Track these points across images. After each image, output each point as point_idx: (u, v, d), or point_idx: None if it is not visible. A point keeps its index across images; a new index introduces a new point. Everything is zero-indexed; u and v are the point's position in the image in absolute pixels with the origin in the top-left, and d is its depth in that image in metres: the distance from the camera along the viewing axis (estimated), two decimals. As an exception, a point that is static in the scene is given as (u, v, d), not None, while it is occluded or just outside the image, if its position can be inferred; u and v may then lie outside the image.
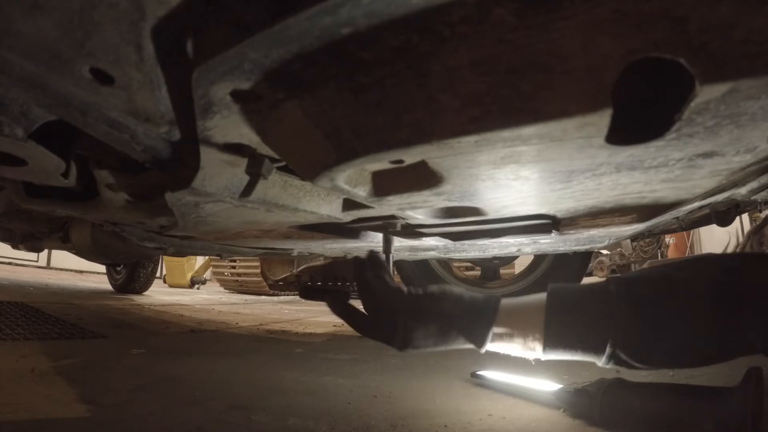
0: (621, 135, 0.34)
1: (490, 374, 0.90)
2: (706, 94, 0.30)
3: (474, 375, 0.92)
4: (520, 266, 2.31)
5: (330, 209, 0.69)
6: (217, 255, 1.52)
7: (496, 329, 0.54)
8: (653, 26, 0.28)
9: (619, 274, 0.52)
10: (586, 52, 0.29)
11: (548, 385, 0.77)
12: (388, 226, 0.74)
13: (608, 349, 0.49)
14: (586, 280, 2.00)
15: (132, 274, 3.34)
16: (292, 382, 0.94)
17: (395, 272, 2.28)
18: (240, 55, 0.32)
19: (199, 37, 0.34)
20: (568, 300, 0.52)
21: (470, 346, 0.56)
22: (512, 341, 0.54)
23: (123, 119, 0.45)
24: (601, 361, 0.50)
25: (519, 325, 0.54)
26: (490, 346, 0.55)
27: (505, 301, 0.57)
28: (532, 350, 0.53)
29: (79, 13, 0.33)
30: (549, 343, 0.51)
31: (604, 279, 0.53)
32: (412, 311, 0.56)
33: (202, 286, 5.80)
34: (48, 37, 0.35)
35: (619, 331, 0.48)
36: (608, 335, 0.48)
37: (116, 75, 0.39)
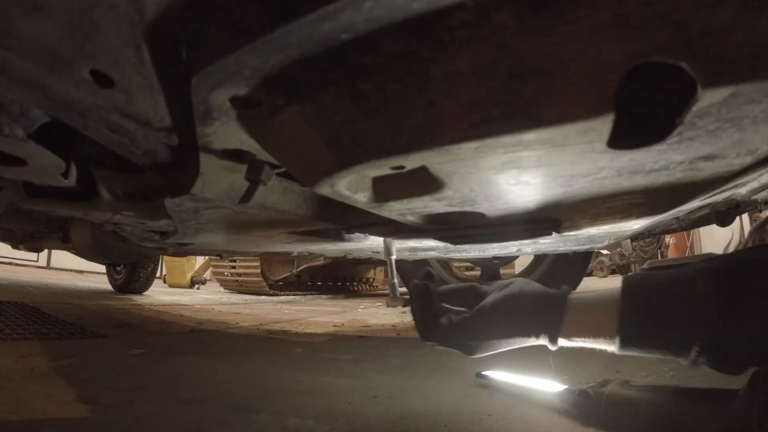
0: (623, 139, 0.34)
1: (494, 374, 0.90)
2: (708, 98, 0.30)
3: (479, 375, 0.93)
4: (520, 266, 2.31)
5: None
6: (217, 255, 1.52)
7: (567, 325, 0.52)
8: (655, 30, 0.28)
9: (706, 265, 0.46)
10: (587, 56, 0.29)
11: (552, 386, 0.77)
12: (389, 230, 0.74)
13: (694, 353, 0.44)
14: (586, 280, 2.01)
15: (132, 274, 3.34)
16: (292, 382, 0.94)
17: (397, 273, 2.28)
18: (240, 62, 0.32)
19: (199, 43, 0.34)
20: (647, 296, 0.48)
21: (542, 343, 0.54)
22: (585, 338, 0.51)
23: (122, 122, 0.45)
24: (686, 362, 0.46)
25: (592, 321, 0.51)
26: (562, 343, 0.53)
27: (575, 295, 0.54)
28: (607, 346, 0.50)
29: (79, 14, 0.33)
30: (626, 342, 0.47)
31: (688, 268, 0.48)
32: (470, 331, 0.56)
33: (202, 286, 5.79)
34: (48, 38, 0.35)
35: (706, 333, 0.43)
36: (695, 337, 0.44)
37: (116, 77, 0.39)
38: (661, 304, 0.46)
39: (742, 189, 0.65)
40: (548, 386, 0.78)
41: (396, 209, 0.54)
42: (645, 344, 0.47)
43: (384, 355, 1.23)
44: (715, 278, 0.44)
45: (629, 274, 0.51)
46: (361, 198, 0.48)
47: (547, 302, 0.54)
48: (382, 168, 0.41)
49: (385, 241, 0.78)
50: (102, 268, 3.85)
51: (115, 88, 0.40)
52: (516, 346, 0.56)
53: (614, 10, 0.28)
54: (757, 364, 0.45)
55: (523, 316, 0.54)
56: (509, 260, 2.32)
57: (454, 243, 0.74)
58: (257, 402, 0.77)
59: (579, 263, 1.82)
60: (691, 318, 0.44)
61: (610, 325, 0.48)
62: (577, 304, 0.52)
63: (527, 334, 0.54)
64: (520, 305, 0.55)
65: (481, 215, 0.61)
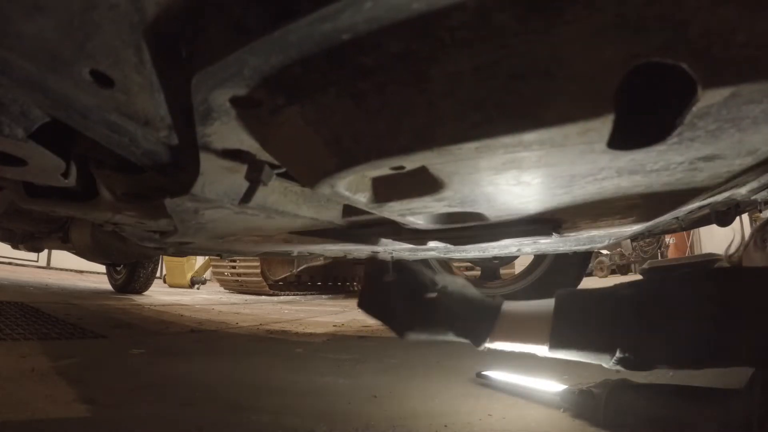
0: (623, 140, 0.34)
1: (494, 374, 0.90)
2: (708, 98, 0.30)
3: (479, 375, 0.93)
4: (520, 266, 2.31)
5: (330, 215, 0.69)
6: (217, 255, 1.52)
7: (500, 329, 0.59)
8: (655, 30, 0.28)
9: (629, 292, 0.55)
10: (588, 57, 0.29)
11: (552, 386, 0.77)
12: (389, 231, 0.74)
13: (614, 360, 0.51)
14: (586, 280, 2.01)
15: (132, 274, 3.34)
16: (291, 383, 0.94)
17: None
18: (240, 62, 0.32)
19: (199, 43, 0.34)
20: (576, 310, 0.56)
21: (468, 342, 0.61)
22: (515, 342, 0.59)
23: (123, 122, 0.45)
24: (608, 364, 0.52)
25: (525, 329, 0.58)
26: (491, 345, 0.60)
27: (510, 305, 0.61)
28: (537, 350, 0.57)
29: (79, 15, 0.33)
30: (555, 347, 0.55)
31: (613, 291, 0.57)
32: (413, 317, 0.64)
33: (202, 286, 5.79)
34: (48, 38, 0.35)
35: (625, 335, 0.51)
36: (615, 339, 0.51)
37: (116, 78, 0.39)
38: (588, 318, 0.55)
39: (742, 189, 0.65)
40: (548, 386, 0.78)
41: (396, 209, 0.54)
42: (571, 349, 0.55)
43: (384, 355, 1.23)
44: (635, 304, 0.53)
45: (561, 290, 0.60)
46: (361, 198, 0.48)
47: (480, 310, 0.61)
48: (383, 168, 0.41)
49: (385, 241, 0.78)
50: (102, 268, 3.85)
51: (115, 88, 0.40)
52: (445, 340, 0.63)
53: (614, 10, 0.28)
54: (667, 366, 0.54)
55: (458, 318, 0.61)
56: (509, 260, 2.32)
57: (455, 243, 0.74)
58: (257, 402, 0.77)
59: (579, 263, 1.82)
60: (613, 333, 0.52)
61: (542, 332, 0.56)
62: (512, 314, 0.61)
63: (458, 334, 0.61)
64: (459, 307, 0.62)
65: (481, 216, 0.61)
